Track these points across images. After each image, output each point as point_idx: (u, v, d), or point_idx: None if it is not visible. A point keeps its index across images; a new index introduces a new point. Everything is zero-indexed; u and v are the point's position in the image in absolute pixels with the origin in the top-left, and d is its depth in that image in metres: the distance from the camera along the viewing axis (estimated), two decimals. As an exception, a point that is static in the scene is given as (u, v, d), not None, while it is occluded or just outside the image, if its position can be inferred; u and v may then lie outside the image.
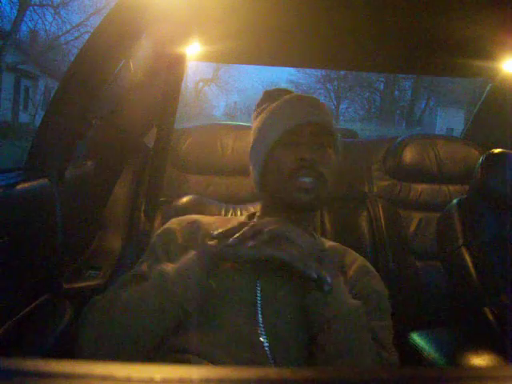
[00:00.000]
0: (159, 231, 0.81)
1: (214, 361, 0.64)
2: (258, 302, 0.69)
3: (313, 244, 0.69)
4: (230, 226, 0.71)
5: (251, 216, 0.86)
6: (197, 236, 0.77)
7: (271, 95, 0.86)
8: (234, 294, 0.70)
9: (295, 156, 0.75)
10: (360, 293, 0.73)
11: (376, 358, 0.68)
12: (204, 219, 0.83)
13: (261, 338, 0.66)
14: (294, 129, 0.76)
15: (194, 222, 0.81)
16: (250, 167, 0.84)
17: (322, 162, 0.76)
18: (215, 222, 0.81)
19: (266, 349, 0.66)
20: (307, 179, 0.74)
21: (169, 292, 0.65)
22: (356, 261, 0.79)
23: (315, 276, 0.63)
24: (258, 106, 0.87)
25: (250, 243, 0.65)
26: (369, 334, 0.68)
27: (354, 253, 0.82)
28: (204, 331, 0.67)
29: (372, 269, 0.80)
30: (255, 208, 1.03)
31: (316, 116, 0.78)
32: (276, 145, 0.77)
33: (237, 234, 0.67)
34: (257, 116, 0.85)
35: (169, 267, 0.67)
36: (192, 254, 0.68)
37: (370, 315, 0.71)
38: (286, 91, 0.87)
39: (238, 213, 1.14)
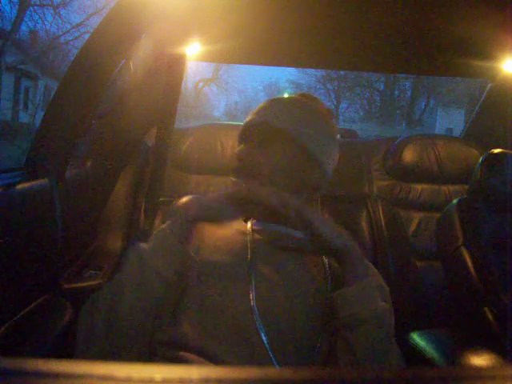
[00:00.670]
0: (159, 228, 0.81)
1: (212, 358, 0.64)
2: (253, 291, 0.69)
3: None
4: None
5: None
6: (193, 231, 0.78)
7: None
8: (227, 279, 0.70)
9: (241, 154, 0.80)
10: None
11: (400, 362, 0.68)
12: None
13: (261, 336, 0.65)
14: (248, 127, 0.82)
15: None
16: None
17: (261, 161, 0.78)
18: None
19: (266, 345, 0.65)
20: (236, 180, 0.78)
21: (145, 264, 0.66)
22: None
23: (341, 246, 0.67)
24: None
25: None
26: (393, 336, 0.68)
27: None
28: (201, 325, 0.67)
29: (371, 265, 0.79)
30: None
31: (264, 116, 0.80)
32: (240, 141, 0.83)
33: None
34: None
35: (144, 244, 0.69)
36: (165, 224, 0.71)
37: None
38: (300, 95, 0.90)
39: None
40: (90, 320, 0.67)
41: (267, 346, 0.65)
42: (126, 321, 0.65)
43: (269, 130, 0.79)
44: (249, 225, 0.80)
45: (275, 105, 0.83)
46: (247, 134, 0.82)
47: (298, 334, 0.68)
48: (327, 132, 0.83)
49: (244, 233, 0.78)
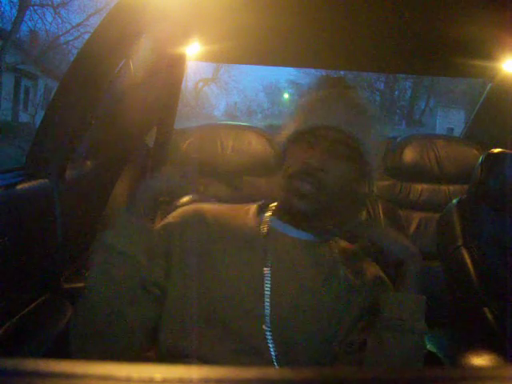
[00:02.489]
0: (159, 227, 0.76)
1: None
2: (267, 301, 0.67)
3: None
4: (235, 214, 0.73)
5: (263, 206, 0.81)
6: (199, 228, 0.74)
7: (323, 83, 0.80)
8: (240, 290, 0.68)
9: (304, 158, 0.71)
10: (372, 304, 0.71)
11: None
12: (209, 209, 0.78)
13: (270, 347, 0.65)
14: (312, 130, 0.72)
15: (197, 213, 0.76)
16: None
17: (332, 172, 0.70)
18: (220, 211, 0.77)
19: (273, 357, 0.64)
20: (305, 185, 0.70)
21: (106, 246, 0.66)
22: (371, 268, 0.76)
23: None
24: (310, 89, 0.82)
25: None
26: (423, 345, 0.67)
27: (366, 257, 0.79)
28: (208, 337, 0.65)
29: (386, 280, 0.76)
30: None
31: (340, 122, 0.72)
32: (293, 141, 0.74)
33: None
34: (300, 101, 0.80)
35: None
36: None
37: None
38: (340, 82, 0.80)
39: (251, 205, 1.12)
40: (73, 321, 0.68)
41: (274, 358, 0.64)
42: (98, 309, 0.65)
43: (343, 138, 0.71)
44: (265, 226, 0.74)
45: (346, 108, 0.74)
46: (316, 136, 0.72)
47: (308, 348, 0.66)
48: (377, 138, 0.77)
49: (259, 234, 0.73)
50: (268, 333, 0.65)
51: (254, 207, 0.80)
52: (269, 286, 0.68)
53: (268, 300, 0.67)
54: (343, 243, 0.81)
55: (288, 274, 0.70)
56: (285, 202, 0.74)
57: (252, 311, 0.67)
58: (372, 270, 0.76)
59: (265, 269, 0.69)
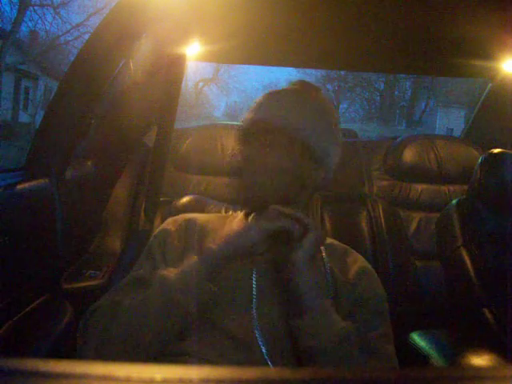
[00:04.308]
0: (155, 232, 0.81)
1: (211, 363, 0.64)
2: (254, 301, 0.69)
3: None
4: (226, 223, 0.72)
5: (248, 213, 0.84)
6: (193, 235, 0.77)
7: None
8: (230, 293, 0.70)
9: (243, 154, 0.76)
10: (360, 296, 0.73)
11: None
12: (200, 217, 0.82)
13: (259, 343, 0.66)
14: (248, 126, 0.76)
15: (190, 220, 0.80)
16: None
17: (263, 161, 0.74)
18: (211, 220, 0.81)
19: (264, 352, 0.65)
20: (247, 178, 0.74)
21: (171, 298, 0.65)
22: (357, 261, 0.78)
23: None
24: None
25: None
26: (361, 357, 0.66)
27: (355, 252, 0.82)
28: (202, 335, 0.67)
29: (372, 270, 0.79)
30: None
31: (263, 113, 0.75)
32: (240, 141, 0.78)
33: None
34: None
35: (171, 273, 0.67)
36: (194, 259, 0.68)
37: (366, 324, 0.71)
38: (297, 85, 0.82)
39: (239, 212, 1.14)
40: (98, 340, 0.66)
41: (266, 354, 0.65)
42: (137, 350, 0.64)
43: (272, 128, 0.74)
44: None
45: (275, 100, 0.77)
46: (250, 132, 0.76)
47: (297, 346, 0.67)
48: (329, 127, 0.78)
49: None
50: (257, 331, 0.66)
51: (241, 214, 0.83)
52: (255, 285, 0.70)
53: (255, 299, 0.69)
54: (329, 240, 0.83)
55: (273, 272, 0.72)
56: (240, 197, 0.77)
57: (241, 310, 0.68)
58: (358, 263, 0.78)
59: (253, 269, 0.71)
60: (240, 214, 0.83)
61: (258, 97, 0.80)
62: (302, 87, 0.80)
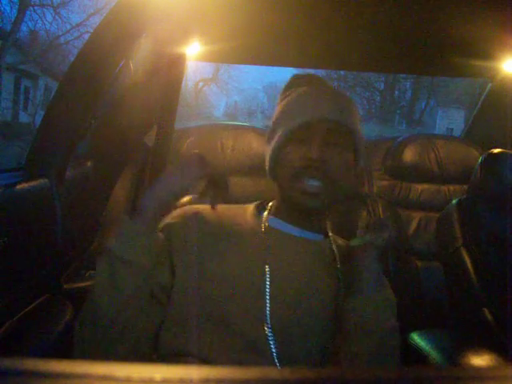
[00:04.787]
0: (159, 227, 0.76)
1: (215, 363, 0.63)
2: (267, 299, 0.67)
3: None
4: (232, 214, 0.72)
5: (259, 206, 0.82)
6: (199, 227, 0.75)
7: (299, 81, 0.81)
8: (241, 291, 0.68)
9: (303, 154, 0.70)
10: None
11: None
12: (207, 209, 0.78)
13: (270, 343, 0.65)
14: (304, 125, 0.71)
15: (197, 213, 0.77)
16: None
17: (334, 163, 0.70)
18: (219, 211, 0.77)
19: (274, 353, 0.65)
20: (313, 182, 0.70)
21: (113, 257, 0.63)
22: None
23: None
24: (285, 90, 0.82)
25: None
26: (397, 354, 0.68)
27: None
28: (209, 335, 0.65)
29: (383, 276, 0.77)
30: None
31: (331, 113, 0.71)
32: (286, 140, 0.73)
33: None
34: (280, 102, 0.80)
35: (111, 242, 0.65)
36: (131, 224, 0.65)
37: (376, 317, 0.70)
38: (316, 79, 0.82)
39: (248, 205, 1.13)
40: (78, 329, 0.66)
41: (275, 356, 0.64)
42: (104, 321, 0.63)
43: (335, 127, 0.71)
44: (263, 224, 0.76)
45: (326, 100, 0.74)
46: (309, 130, 0.71)
47: (308, 346, 0.67)
48: (359, 120, 0.78)
49: (258, 233, 0.74)
50: (268, 331, 0.65)
51: (251, 207, 0.81)
52: (269, 283, 0.69)
53: (268, 298, 0.67)
54: (340, 240, 0.82)
55: (287, 272, 0.71)
56: (292, 202, 0.73)
57: (253, 309, 0.67)
58: None
59: (266, 267, 0.70)
60: (250, 207, 0.81)
61: (291, 96, 0.77)
62: (319, 80, 0.81)
